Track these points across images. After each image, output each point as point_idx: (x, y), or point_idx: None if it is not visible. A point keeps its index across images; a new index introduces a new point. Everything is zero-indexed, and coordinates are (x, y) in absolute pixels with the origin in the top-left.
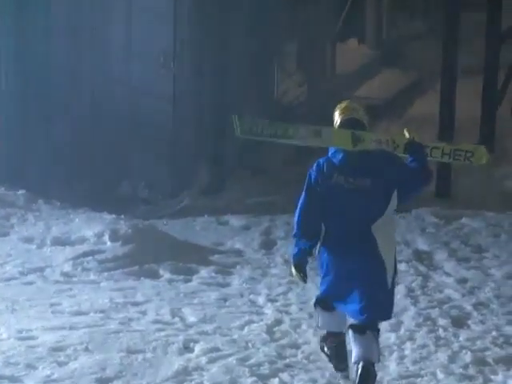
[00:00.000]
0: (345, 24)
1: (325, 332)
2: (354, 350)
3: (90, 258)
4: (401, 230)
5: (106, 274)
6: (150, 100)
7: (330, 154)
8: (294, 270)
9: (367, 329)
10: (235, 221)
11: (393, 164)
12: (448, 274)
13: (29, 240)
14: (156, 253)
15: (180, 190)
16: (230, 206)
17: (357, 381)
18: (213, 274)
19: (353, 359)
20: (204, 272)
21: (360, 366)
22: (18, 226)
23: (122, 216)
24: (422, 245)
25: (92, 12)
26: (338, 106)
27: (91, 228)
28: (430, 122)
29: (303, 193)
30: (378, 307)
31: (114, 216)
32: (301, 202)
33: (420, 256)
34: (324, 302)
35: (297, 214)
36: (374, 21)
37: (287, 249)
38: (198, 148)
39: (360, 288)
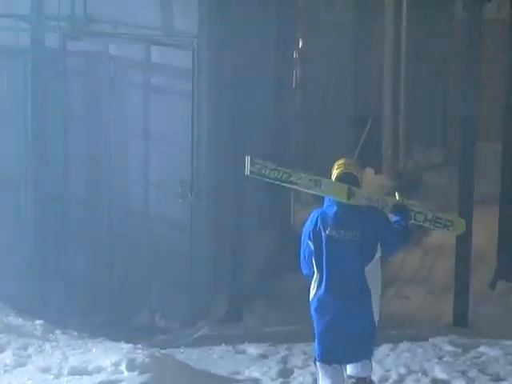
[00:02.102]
0: (361, 154)
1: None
2: None
3: None
4: (418, 358)
5: None
6: (168, 229)
7: (324, 206)
8: None
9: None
10: (252, 349)
11: (379, 220)
12: None
13: (46, 370)
14: (173, 382)
15: (197, 318)
16: (247, 335)
17: None
18: None
19: None
20: None
21: None
22: (35, 356)
23: (140, 345)
24: (439, 373)
25: (109, 141)
26: (336, 162)
27: (108, 357)
28: (447, 250)
29: (301, 245)
30: (365, 352)
31: (131, 345)
32: (301, 252)
33: None
34: (324, 359)
35: (300, 260)
36: (390, 151)
37: (304, 378)
38: (215, 277)
39: (353, 339)
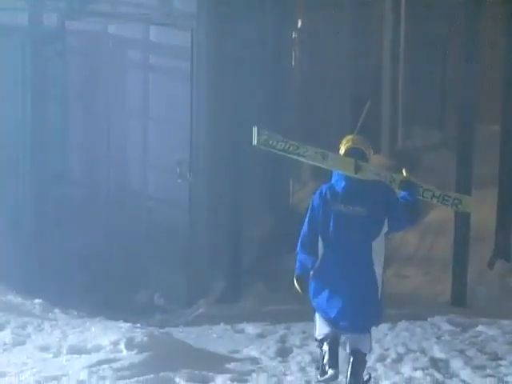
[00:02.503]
0: (359, 134)
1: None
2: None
3: (106, 366)
4: (417, 338)
5: (121, 382)
6: (167, 209)
7: (333, 181)
8: (296, 281)
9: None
10: (251, 329)
11: (387, 196)
12: (464, 382)
13: (45, 349)
14: (172, 361)
15: (196, 298)
16: (245, 314)
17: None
18: (229, 382)
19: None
20: (220, 380)
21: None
22: (35, 335)
23: (138, 324)
24: (438, 353)
25: (108, 124)
26: (345, 137)
27: (107, 336)
28: (445, 229)
29: (307, 217)
30: (370, 318)
31: (129, 324)
32: (304, 224)
33: (436, 364)
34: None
35: (301, 235)
36: (389, 132)
37: (303, 357)
38: (213, 257)
39: (354, 302)
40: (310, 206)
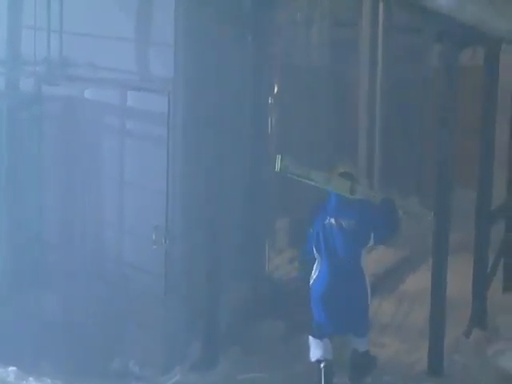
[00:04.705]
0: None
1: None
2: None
3: None
4: None
5: None
6: (142, 274)
7: (326, 200)
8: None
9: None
10: None
11: (372, 212)
12: None
13: None
14: None
15: (172, 365)
16: (221, 382)
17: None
18: None
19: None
20: None
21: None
22: None
23: None
24: None
25: (84, 189)
26: (336, 166)
27: None
28: (421, 297)
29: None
30: (362, 325)
31: None
32: (308, 237)
33: None
34: (318, 330)
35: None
36: None
37: None
38: (189, 324)
39: (348, 307)
40: (307, 223)
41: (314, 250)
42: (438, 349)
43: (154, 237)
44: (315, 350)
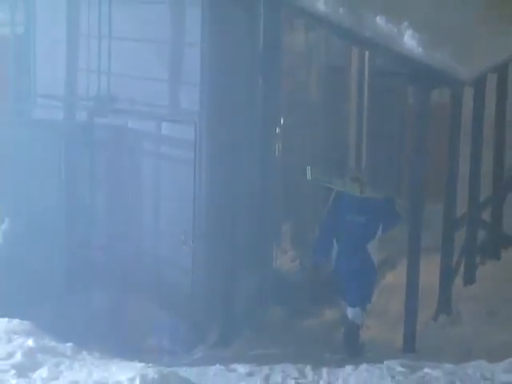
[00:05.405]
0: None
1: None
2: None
3: None
4: (375, 377)
5: None
6: (173, 269)
7: (342, 200)
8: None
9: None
10: (241, 368)
11: (380, 208)
12: None
13: (75, 383)
14: None
15: (196, 344)
16: (236, 357)
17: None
18: None
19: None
20: None
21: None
22: (66, 372)
23: (150, 364)
24: None
25: (128, 201)
26: (348, 174)
27: (125, 374)
28: (399, 289)
29: (320, 231)
30: (367, 295)
31: (143, 364)
32: (317, 239)
33: None
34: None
35: (315, 248)
36: None
37: None
38: (210, 310)
39: (358, 283)
40: (325, 219)
41: (334, 241)
42: (412, 330)
43: (183, 239)
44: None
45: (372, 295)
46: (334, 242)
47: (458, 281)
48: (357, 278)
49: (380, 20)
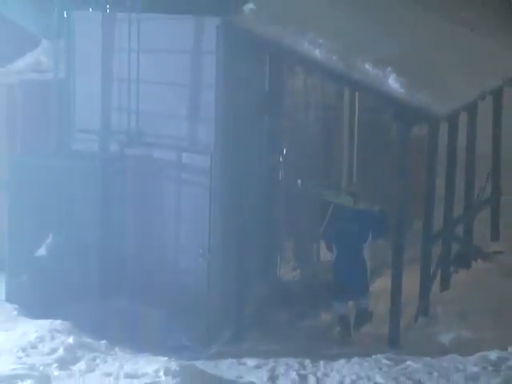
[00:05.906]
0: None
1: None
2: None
3: None
4: (364, 368)
5: None
6: (191, 278)
7: (338, 211)
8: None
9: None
10: (250, 362)
11: (370, 217)
12: None
13: (108, 375)
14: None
15: (211, 341)
16: (246, 352)
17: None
18: None
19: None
20: None
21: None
22: (101, 365)
23: (173, 358)
24: (379, 379)
25: (154, 220)
26: (344, 188)
27: (151, 366)
28: (384, 294)
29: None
30: (363, 290)
31: (166, 358)
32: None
33: None
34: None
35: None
36: None
37: (287, 382)
38: (224, 311)
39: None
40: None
41: (334, 245)
42: (396, 329)
43: (201, 252)
44: (338, 309)
45: (368, 286)
46: (333, 246)
47: (435, 287)
48: (354, 275)
49: (368, 66)
